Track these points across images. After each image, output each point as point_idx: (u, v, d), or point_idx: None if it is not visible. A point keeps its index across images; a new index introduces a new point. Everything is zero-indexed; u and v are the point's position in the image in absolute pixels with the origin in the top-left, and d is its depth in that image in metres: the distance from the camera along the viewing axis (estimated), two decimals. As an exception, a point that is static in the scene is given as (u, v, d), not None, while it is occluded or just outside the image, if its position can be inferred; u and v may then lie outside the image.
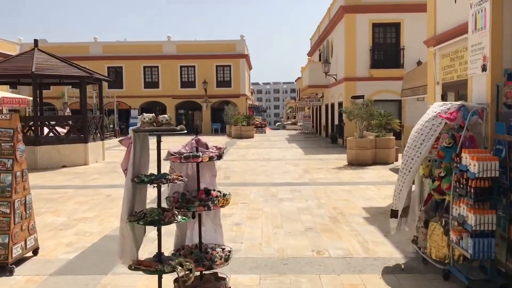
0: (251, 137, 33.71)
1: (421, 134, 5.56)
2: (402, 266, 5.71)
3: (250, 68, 51.66)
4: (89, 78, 17.94)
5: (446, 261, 5.27)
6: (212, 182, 4.81)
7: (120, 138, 4.38)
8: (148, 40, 46.79)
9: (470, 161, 4.68)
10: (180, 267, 4.02)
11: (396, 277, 5.35)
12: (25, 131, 17.23)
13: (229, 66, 42.42)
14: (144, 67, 42.52)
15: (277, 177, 13.52)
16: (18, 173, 5.91)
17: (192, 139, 4.54)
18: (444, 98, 10.17)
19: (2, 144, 5.80)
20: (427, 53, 11.01)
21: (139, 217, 4.06)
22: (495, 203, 4.72)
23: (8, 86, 27.34)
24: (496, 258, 4.81)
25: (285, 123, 66.11)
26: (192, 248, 4.69)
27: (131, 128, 4.13)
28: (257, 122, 42.07)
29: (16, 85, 26.34)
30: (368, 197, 10.33)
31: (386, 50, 24.60)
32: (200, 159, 4.31)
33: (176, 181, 4.11)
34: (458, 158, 4.95)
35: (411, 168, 5.58)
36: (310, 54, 41.92)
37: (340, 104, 25.13)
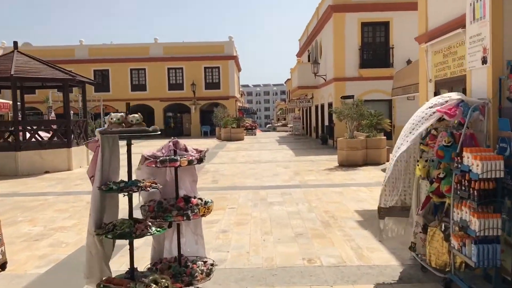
0: (241, 139, 33.28)
1: (412, 123, 5.22)
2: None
3: (239, 69, 51.23)
4: (72, 81, 17.40)
5: (447, 269, 4.89)
6: (192, 188, 4.40)
7: (86, 141, 3.92)
8: (134, 42, 46.25)
9: (472, 161, 4.30)
10: (154, 285, 3.58)
11: (393, 287, 4.96)
12: (5, 136, 16.70)
13: (218, 67, 41.95)
14: (131, 69, 41.92)
15: (267, 180, 13.11)
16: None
17: (170, 141, 4.12)
18: (437, 95, 9.85)
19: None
20: (419, 50, 10.69)
21: (107, 230, 3.62)
22: (499, 206, 4.35)
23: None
24: (501, 265, 4.44)
25: (276, 124, 65.79)
26: (170, 262, 4.27)
27: (97, 130, 3.69)
28: (247, 124, 41.68)
29: (0, 89, 25.64)
30: (360, 199, 9.96)
31: (375, 50, 24.33)
32: (178, 163, 3.89)
33: (149, 188, 3.67)
34: (458, 158, 4.57)
35: (395, 157, 5.24)
36: (299, 55, 41.64)
37: (330, 105, 24.81)
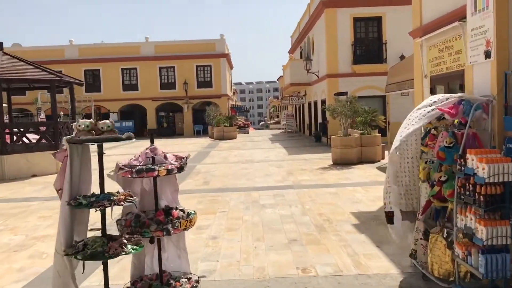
0: (234, 138, 32.90)
1: (408, 119, 4.88)
2: None
3: (231, 67, 50.79)
4: (59, 82, 16.93)
5: (451, 279, 4.56)
6: (174, 198, 4.03)
7: (55, 151, 3.55)
8: (125, 41, 45.74)
9: (477, 164, 3.97)
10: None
11: (394, 299, 4.63)
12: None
13: (210, 66, 41.49)
14: (122, 69, 41.39)
15: (260, 181, 12.75)
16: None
17: (147, 148, 3.75)
18: (432, 91, 9.54)
19: None
20: (413, 44, 10.37)
21: (77, 250, 3.25)
22: (508, 212, 4.02)
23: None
24: (511, 276, 4.11)
25: (269, 122, 65.44)
26: (151, 279, 3.90)
27: (65, 138, 3.31)
28: (239, 123, 41.27)
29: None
30: (356, 200, 9.63)
31: (368, 45, 24.02)
32: (155, 173, 3.52)
33: (122, 202, 3.30)
34: (462, 160, 4.24)
35: (390, 153, 4.90)
36: (291, 51, 41.25)
37: (323, 102, 24.49)
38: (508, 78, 4.28)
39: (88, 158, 3.50)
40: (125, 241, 3.37)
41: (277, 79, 72.43)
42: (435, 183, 4.86)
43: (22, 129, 17.16)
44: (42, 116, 30.14)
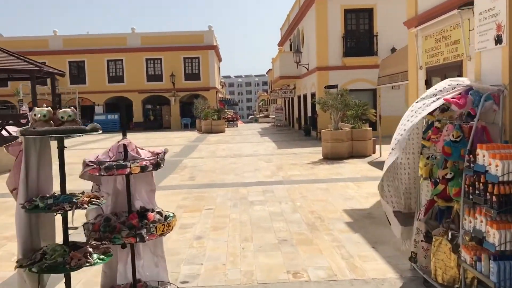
0: (222, 131, 32.39)
1: (411, 110, 4.47)
2: None
3: (219, 60, 50.11)
4: (39, 72, 16.27)
5: (456, 286, 4.17)
6: (150, 199, 3.56)
7: (7, 143, 3.06)
8: (111, 32, 44.84)
9: (490, 160, 3.56)
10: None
11: (394, 308, 4.23)
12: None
13: (198, 58, 40.81)
14: (108, 60, 40.56)
15: (248, 176, 12.31)
16: None
17: (119, 142, 3.27)
18: (428, 84, 9.19)
19: None
20: (408, 35, 9.98)
21: (33, 260, 2.77)
22: (522, 213, 3.62)
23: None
24: (524, 284, 3.73)
25: (258, 116, 64.96)
26: (124, 290, 3.44)
27: (19, 129, 2.83)
28: (228, 116, 40.75)
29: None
30: (348, 196, 9.24)
31: (359, 38, 23.64)
32: (127, 170, 3.05)
33: (86, 205, 2.83)
34: (471, 156, 3.83)
35: (392, 149, 4.48)
36: (280, 44, 40.74)
37: (313, 95, 24.09)
38: (523, 65, 3.88)
39: (48, 153, 3.02)
40: (91, 249, 2.90)
41: (266, 72, 71.88)
42: (438, 180, 4.46)
43: (0, 121, 16.51)
44: (24, 108, 29.27)
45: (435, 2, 8.37)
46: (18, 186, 2.87)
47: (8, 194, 10.08)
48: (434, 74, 9.00)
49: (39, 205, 2.75)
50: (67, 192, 2.91)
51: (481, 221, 3.70)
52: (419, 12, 9.33)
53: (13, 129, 17.30)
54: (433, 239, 4.41)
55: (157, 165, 3.23)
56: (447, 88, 4.30)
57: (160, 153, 3.31)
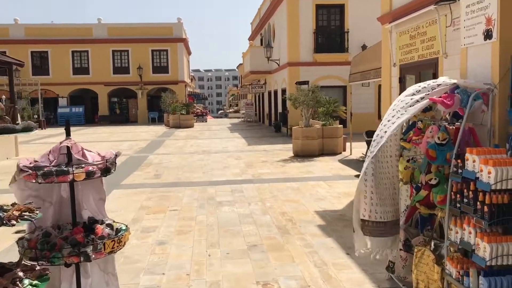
0: (191, 126, 31.72)
1: (392, 109, 4.11)
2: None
3: (189, 53, 49.17)
4: (-6, 61, 15.29)
5: (439, 300, 3.86)
6: (99, 208, 3.07)
7: None
8: (76, 22, 43.30)
9: (481, 166, 3.24)
10: None
11: (373, 324, 3.89)
12: None
13: (166, 50, 39.84)
14: (73, 51, 39.08)
15: (217, 174, 11.85)
16: None
17: (61, 143, 2.77)
18: (402, 81, 8.95)
19: None
20: (382, 31, 9.71)
21: None
22: (512, 225, 3.32)
23: None
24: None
25: (228, 111, 64.34)
26: (68, 315, 2.95)
27: None
28: (197, 111, 40.04)
29: None
30: (320, 196, 8.92)
31: (330, 34, 23.44)
32: (70, 177, 2.56)
33: (14, 221, 2.32)
34: (459, 161, 3.51)
35: (371, 152, 4.10)
36: (251, 38, 40.24)
37: (284, 91, 23.77)
38: (515, 62, 3.58)
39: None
40: (21, 273, 2.40)
41: (237, 67, 71.26)
42: (420, 186, 4.13)
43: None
44: (-15, 99, 27.81)
45: (411, -3, 8.12)
46: None
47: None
48: (408, 71, 8.77)
49: (-46, 221, 2.24)
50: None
51: (470, 232, 3.39)
52: (393, 7, 9.07)
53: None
54: (415, 250, 4.08)
55: (106, 171, 2.75)
56: (432, 85, 3.97)
57: (111, 156, 2.83)
